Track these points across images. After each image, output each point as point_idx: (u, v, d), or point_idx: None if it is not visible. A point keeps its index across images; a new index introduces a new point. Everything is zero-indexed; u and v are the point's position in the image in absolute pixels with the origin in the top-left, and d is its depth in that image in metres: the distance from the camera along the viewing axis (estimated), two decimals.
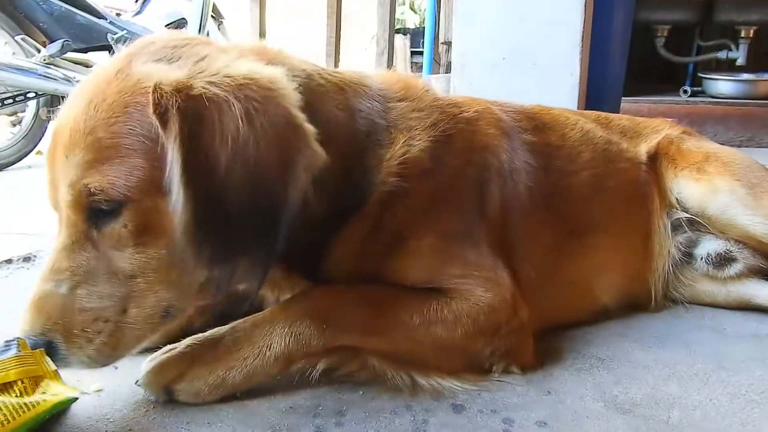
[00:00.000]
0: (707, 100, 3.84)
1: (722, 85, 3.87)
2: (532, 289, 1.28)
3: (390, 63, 3.65)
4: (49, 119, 4.30)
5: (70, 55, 4.33)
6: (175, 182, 0.89)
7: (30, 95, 4.16)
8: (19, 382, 0.94)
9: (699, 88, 4.09)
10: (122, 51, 1.05)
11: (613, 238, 1.52)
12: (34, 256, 1.78)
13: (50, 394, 0.96)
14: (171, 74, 0.93)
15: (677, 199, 1.60)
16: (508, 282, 1.22)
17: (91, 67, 4.47)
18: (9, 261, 1.74)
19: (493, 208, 1.29)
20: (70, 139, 0.95)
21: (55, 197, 1.00)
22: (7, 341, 0.97)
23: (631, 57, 3.21)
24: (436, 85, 3.71)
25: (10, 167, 4.08)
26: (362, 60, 6.93)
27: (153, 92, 0.91)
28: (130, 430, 1.00)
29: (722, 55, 4.03)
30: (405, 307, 1.15)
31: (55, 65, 4.19)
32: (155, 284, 0.99)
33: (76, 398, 1.02)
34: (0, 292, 1.57)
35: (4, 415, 0.89)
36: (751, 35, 3.81)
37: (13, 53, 4.03)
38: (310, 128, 0.97)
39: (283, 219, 0.94)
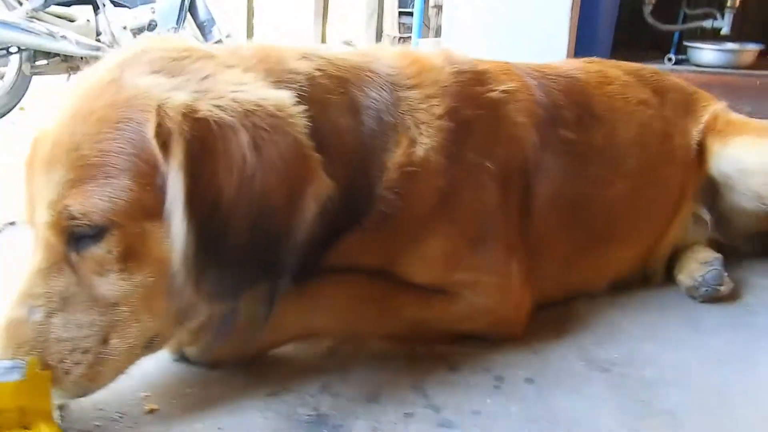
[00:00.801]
0: (691, 69, 3.87)
1: (706, 54, 3.90)
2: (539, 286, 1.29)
3: (379, 25, 3.64)
4: (32, 75, 4.25)
5: (54, 8, 4.26)
6: (176, 212, 0.84)
7: (12, 50, 4.10)
8: (6, 412, 0.85)
9: (684, 57, 4.12)
10: (114, 57, 0.96)
11: (635, 247, 1.51)
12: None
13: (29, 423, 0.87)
14: (175, 95, 0.86)
15: (725, 174, 1.56)
16: (518, 286, 1.23)
17: (74, 21, 4.40)
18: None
19: (511, 208, 1.23)
20: (52, 153, 0.87)
21: (32, 214, 0.91)
22: (15, 363, 0.86)
23: (618, 24, 3.24)
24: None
25: None
26: (351, 18, 6.85)
27: (156, 113, 0.84)
28: None
29: (707, 24, 4.06)
30: (408, 304, 1.18)
31: (38, 19, 4.12)
32: (140, 313, 0.91)
33: None
34: None
35: None
36: (737, 5, 3.84)
37: None
38: (317, 157, 0.92)
39: (290, 250, 0.90)
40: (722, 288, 1.47)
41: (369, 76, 1.12)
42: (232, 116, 0.85)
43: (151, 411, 1.02)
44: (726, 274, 1.49)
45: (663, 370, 1.19)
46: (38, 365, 0.87)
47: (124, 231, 0.87)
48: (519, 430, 1.02)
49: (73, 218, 0.85)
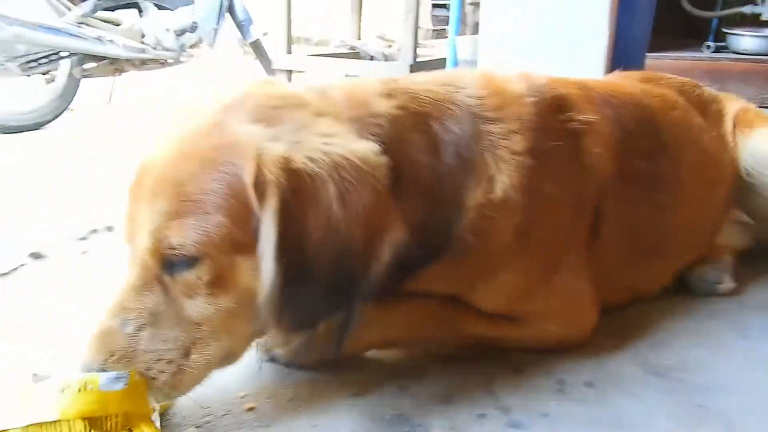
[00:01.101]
0: (730, 57, 3.79)
1: (746, 40, 3.80)
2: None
3: (417, 21, 3.67)
4: (81, 77, 4.41)
5: (101, 13, 4.40)
6: (267, 252, 0.91)
7: (63, 54, 4.25)
8: (114, 417, 0.95)
9: (722, 44, 4.02)
10: (220, 102, 1.04)
11: (687, 257, 1.60)
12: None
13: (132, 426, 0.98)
14: (273, 147, 0.93)
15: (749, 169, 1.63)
16: (586, 309, 1.31)
17: (120, 25, 4.55)
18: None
19: (583, 235, 1.30)
20: (157, 186, 0.96)
21: (132, 232, 1.00)
22: (119, 374, 0.96)
23: (655, 11, 3.22)
24: (464, 47, 3.77)
25: (46, 126, 4.20)
26: (387, 13, 6.92)
27: (255, 162, 0.91)
28: None
29: (747, 10, 3.95)
30: (477, 326, 1.27)
31: (86, 24, 4.26)
32: (220, 332, 1.00)
33: None
34: None
35: None
36: None
37: (46, 13, 4.09)
38: (394, 206, 0.99)
39: (366, 286, 0.97)
40: (721, 286, 1.59)
41: (451, 110, 1.15)
42: (322, 169, 0.91)
43: (250, 409, 1.14)
44: (730, 274, 1.62)
45: (716, 376, 1.27)
46: (136, 374, 0.97)
47: (215, 262, 0.95)
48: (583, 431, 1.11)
49: (171, 248, 0.94)
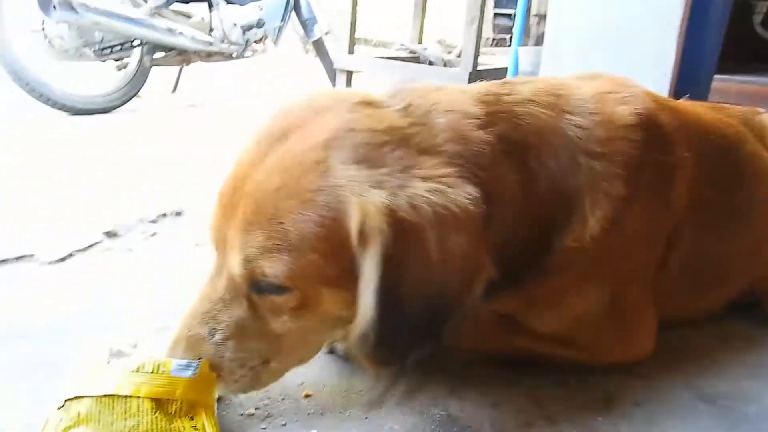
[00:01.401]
0: None
1: None
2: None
3: (480, 30, 3.68)
4: (151, 66, 4.59)
5: (174, 6, 4.57)
6: (367, 294, 0.93)
7: (135, 43, 4.43)
8: (178, 402, 1.00)
9: None
10: (321, 136, 0.98)
11: (745, 283, 1.57)
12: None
13: (197, 423, 1.01)
14: (376, 194, 0.92)
15: None
16: (644, 338, 1.32)
17: (191, 18, 4.72)
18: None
19: (653, 266, 1.30)
20: (254, 216, 0.96)
21: (220, 240, 1.02)
22: (190, 362, 1.02)
23: (724, 34, 3.14)
24: (526, 58, 3.77)
25: (116, 110, 4.39)
26: (450, 20, 6.95)
27: (358, 208, 0.91)
28: None
29: None
30: (534, 343, 1.28)
31: (159, 15, 4.44)
32: (298, 345, 1.09)
33: None
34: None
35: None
36: None
37: (122, 3, 4.27)
38: (487, 247, 1.00)
39: (452, 321, 1.00)
40: None
41: (551, 142, 1.14)
42: (424, 218, 0.92)
43: (307, 396, 1.20)
44: None
45: (766, 408, 1.27)
46: (208, 367, 1.03)
47: (303, 292, 0.99)
48: None
49: (264, 276, 0.97)
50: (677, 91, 2.85)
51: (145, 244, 1.81)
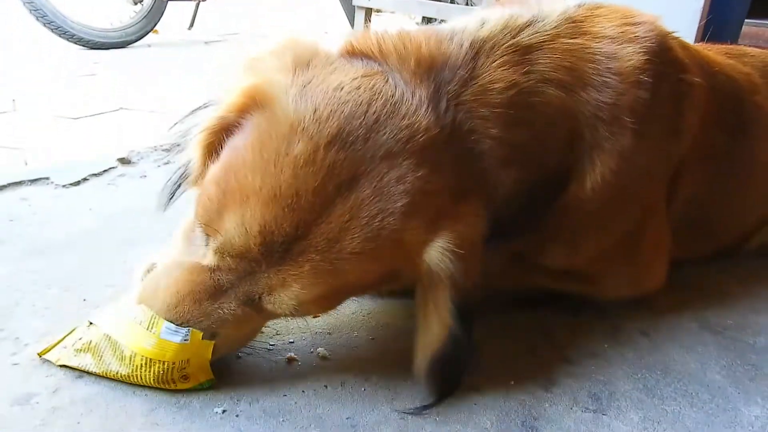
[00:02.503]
0: None
1: None
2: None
3: None
4: (167, 1, 4.52)
5: None
6: (440, 320, 0.97)
7: None
8: (170, 363, 0.96)
9: None
10: (395, 200, 0.91)
11: (747, 229, 1.58)
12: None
13: (188, 376, 0.99)
14: (434, 247, 0.93)
15: None
16: (658, 275, 1.32)
17: None
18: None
19: (662, 201, 1.29)
20: (323, 275, 0.90)
21: (246, 253, 0.90)
22: (178, 327, 0.95)
23: None
24: None
25: (132, 45, 4.36)
26: None
27: (423, 261, 0.94)
28: None
29: None
30: (546, 279, 1.28)
31: None
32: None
33: (205, 387, 1.01)
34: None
35: (141, 382, 0.98)
36: None
37: None
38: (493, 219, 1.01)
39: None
40: None
41: (590, 77, 1.10)
42: (469, 249, 0.95)
43: (315, 316, 1.21)
44: None
45: None
46: (200, 336, 0.96)
47: None
48: (633, 374, 1.14)
49: (304, 313, 1.00)
50: (705, 36, 2.75)
51: (159, 171, 1.82)
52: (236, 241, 0.89)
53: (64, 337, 1.04)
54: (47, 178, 1.67)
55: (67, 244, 1.38)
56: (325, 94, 0.91)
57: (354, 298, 1.21)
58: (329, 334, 1.17)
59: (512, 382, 1.09)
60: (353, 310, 1.25)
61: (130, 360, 0.97)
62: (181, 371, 0.97)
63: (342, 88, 0.92)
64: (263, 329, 1.13)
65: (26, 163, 1.91)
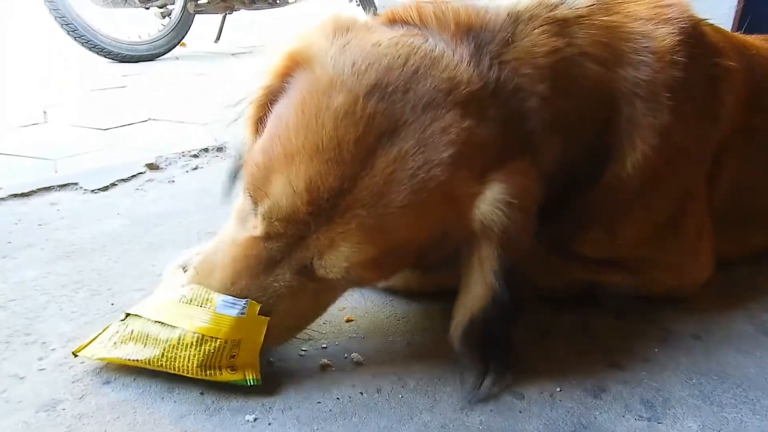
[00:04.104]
0: None
1: None
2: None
3: None
4: (195, 13, 4.56)
5: None
6: (483, 281, 0.93)
7: None
8: (222, 341, 0.93)
9: None
10: (440, 150, 0.88)
11: None
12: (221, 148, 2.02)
13: (237, 365, 0.96)
14: (491, 198, 0.90)
15: None
16: (703, 265, 1.26)
17: None
18: (205, 150, 1.99)
19: (703, 187, 1.24)
20: (371, 231, 0.87)
21: (293, 216, 0.88)
22: (236, 300, 0.93)
23: None
24: None
25: (160, 57, 4.40)
26: None
27: (480, 213, 0.90)
28: None
29: None
30: (587, 272, 1.23)
31: None
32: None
33: (249, 384, 0.96)
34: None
35: (186, 368, 0.94)
36: None
37: None
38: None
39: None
40: None
41: (630, 58, 1.07)
42: (521, 205, 0.91)
43: (349, 321, 1.17)
44: None
45: None
46: (256, 309, 0.93)
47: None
48: (687, 380, 1.07)
49: (359, 280, 0.95)
50: (742, 25, 2.68)
51: (187, 176, 1.80)
52: (283, 202, 0.87)
53: (98, 335, 1.01)
54: (76, 184, 1.66)
55: (95, 248, 1.36)
56: (363, 50, 0.90)
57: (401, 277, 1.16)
58: (363, 338, 1.12)
59: (558, 389, 1.03)
60: (387, 313, 1.20)
61: (179, 341, 0.93)
62: (230, 356, 0.94)
63: (380, 44, 0.91)
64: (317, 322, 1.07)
65: (56, 171, 1.90)
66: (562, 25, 1.03)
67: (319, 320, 1.14)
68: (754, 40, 1.46)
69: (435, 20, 0.97)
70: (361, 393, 0.99)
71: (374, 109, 0.86)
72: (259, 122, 0.99)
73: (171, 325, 0.94)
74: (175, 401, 0.94)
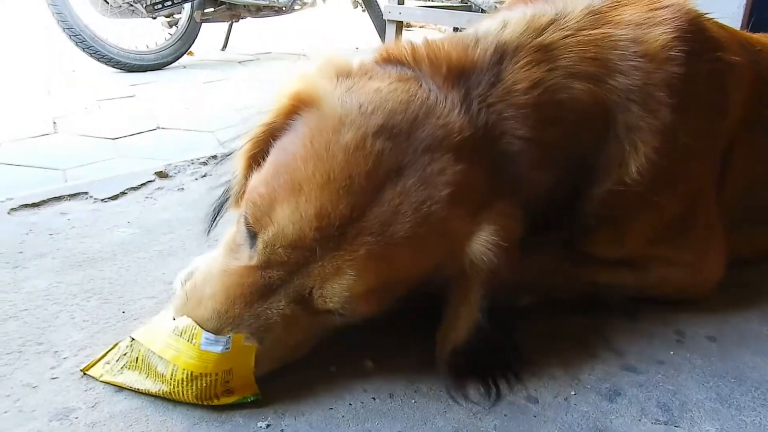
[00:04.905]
0: None
1: None
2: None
3: None
4: (201, 21, 4.58)
5: None
6: (469, 315, 0.98)
7: None
8: (213, 375, 0.92)
9: None
10: (440, 189, 0.92)
11: None
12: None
13: (234, 390, 0.95)
14: (477, 238, 0.95)
15: None
16: (713, 261, 1.25)
17: None
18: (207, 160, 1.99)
19: (712, 185, 1.24)
20: (374, 261, 0.90)
21: (298, 243, 0.89)
22: (218, 337, 0.91)
23: None
24: None
25: (168, 66, 4.42)
26: None
27: (467, 256, 0.95)
28: None
29: None
30: (598, 273, 1.22)
31: None
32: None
33: (249, 400, 0.95)
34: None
35: (184, 399, 0.93)
36: None
37: None
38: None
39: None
40: None
41: (619, 66, 1.08)
42: (508, 244, 0.96)
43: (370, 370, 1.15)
44: None
45: None
46: (242, 339, 0.92)
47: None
48: (705, 383, 1.05)
49: (352, 314, 0.94)
50: (751, 23, 2.67)
51: (196, 184, 1.80)
52: (290, 229, 0.89)
53: (107, 352, 1.01)
54: (86, 193, 1.66)
55: (105, 257, 1.36)
56: (367, 94, 0.95)
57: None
58: (375, 343, 1.11)
59: (573, 393, 1.02)
60: (399, 318, 1.19)
61: (171, 375, 0.93)
62: (224, 384, 0.93)
63: (381, 90, 0.96)
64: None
65: (66, 181, 1.91)
66: (546, 51, 1.06)
67: None
68: (760, 37, 1.46)
69: (428, 63, 1.02)
70: (374, 398, 0.98)
71: (382, 146, 0.91)
72: (253, 159, 1.03)
73: (165, 359, 0.93)
74: (187, 409, 0.93)
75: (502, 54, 1.04)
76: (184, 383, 0.92)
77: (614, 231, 1.17)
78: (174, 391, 0.93)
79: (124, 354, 0.99)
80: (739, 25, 2.68)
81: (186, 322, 0.93)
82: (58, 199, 1.61)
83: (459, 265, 0.96)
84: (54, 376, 0.99)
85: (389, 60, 1.05)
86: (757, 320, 1.25)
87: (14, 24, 5.97)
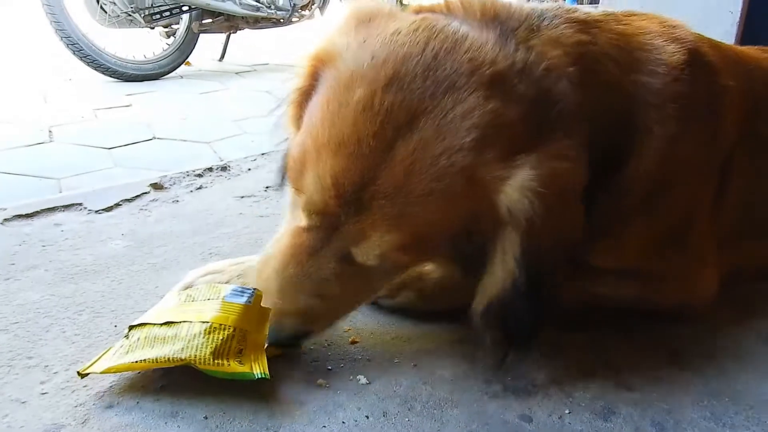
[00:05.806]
0: None
1: None
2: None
3: None
4: (199, 32, 4.59)
5: None
6: (504, 267, 0.92)
7: (184, 8, 4.44)
8: (230, 330, 0.98)
9: None
10: (461, 136, 0.87)
11: None
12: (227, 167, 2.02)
13: (244, 359, 0.98)
14: (519, 181, 0.87)
15: None
16: (709, 278, 1.24)
17: None
18: (210, 169, 1.99)
19: (709, 202, 1.24)
20: (396, 219, 0.89)
21: (328, 208, 0.91)
22: (244, 288, 1.02)
23: None
24: None
25: (165, 76, 4.42)
26: None
27: (506, 198, 0.88)
28: None
29: None
30: (592, 283, 1.22)
31: None
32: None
33: (257, 377, 0.97)
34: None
35: (197, 358, 0.95)
36: None
37: None
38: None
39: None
40: None
41: (641, 80, 1.09)
42: (556, 191, 0.89)
43: (354, 342, 1.15)
44: None
45: None
46: (261, 299, 1.02)
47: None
48: (699, 401, 1.05)
49: (393, 264, 0.97)
50: (745, 38, 2.69)
51: (191, 196, 1.79)
52: (315, 197, 0.91)
53: (102, 354, 1.01)
54: (80, 204, 1.66)
55: (98, 270, 1.35)
56: (383, 41, 0.91)
57: (435, 255, 1.10)
58: (369, 360, 1.11)
59: (567, 411, 1.01)
60: (393, 335, 1.19)
61: (187, 332, 0.97)
62: (239, 343, 0.98)
63: (399, 32, 0.92)
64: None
65: (61, 190, 1.90)
66: (584, 25, 1.06)
67: (323, 342, 1.14)
68: (753, 51, 1.48)
69: (462, 9, 0.99)
70: (367, 416, 0.97)
71: (392, 101, 0.87)
72: (300, 120, 1.03)
73: (180, 322, 0.99)
74: (179, 425, 0.92)
75: (542, 13, 1.02)
76: (202, 336, 0.97)
77: (615, 236, 1.16)
78: (189, 346, 0.95)
79: (122, 345, 1.00)
80: (733, 40, 2.71)
81: (200, 289, 1.06)
82: (52, 210, 1.61)
83: (495, 214, 0.90)
84: (44, 391, 0.97)
85: (421, 11, 1.02)
86: (754, 338, 1.24)
87: (11, 32, 5.97)
